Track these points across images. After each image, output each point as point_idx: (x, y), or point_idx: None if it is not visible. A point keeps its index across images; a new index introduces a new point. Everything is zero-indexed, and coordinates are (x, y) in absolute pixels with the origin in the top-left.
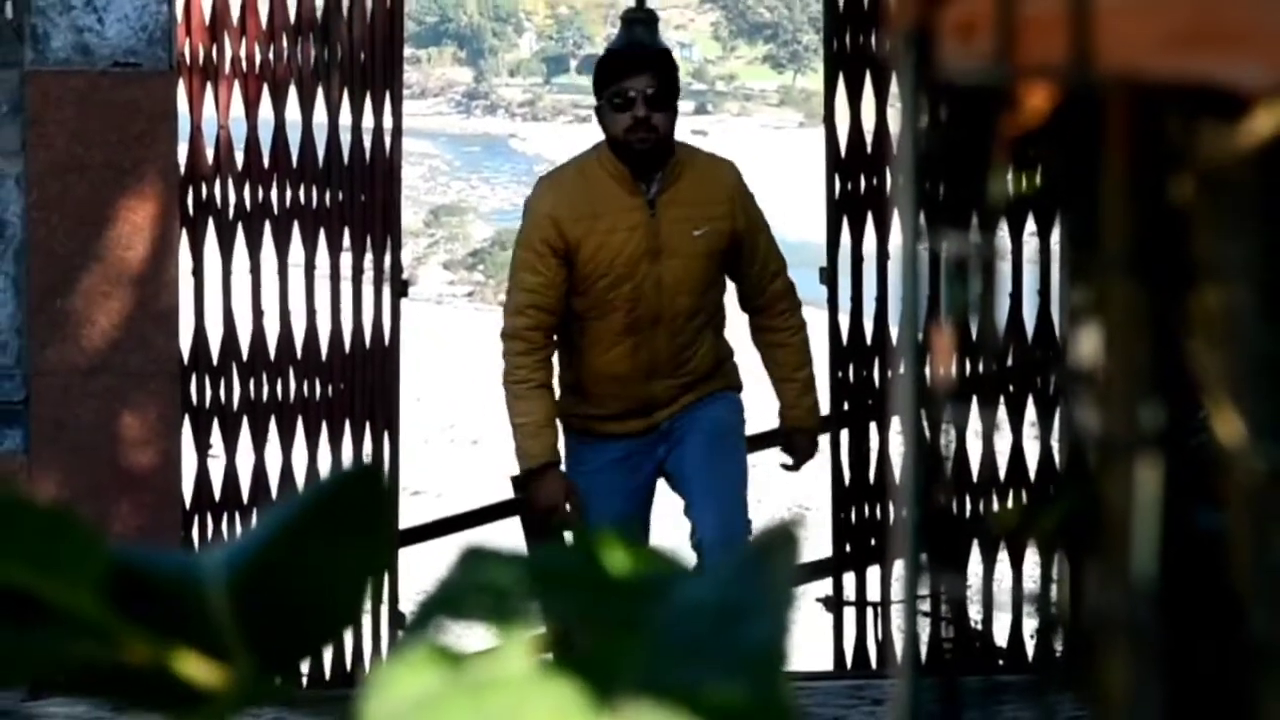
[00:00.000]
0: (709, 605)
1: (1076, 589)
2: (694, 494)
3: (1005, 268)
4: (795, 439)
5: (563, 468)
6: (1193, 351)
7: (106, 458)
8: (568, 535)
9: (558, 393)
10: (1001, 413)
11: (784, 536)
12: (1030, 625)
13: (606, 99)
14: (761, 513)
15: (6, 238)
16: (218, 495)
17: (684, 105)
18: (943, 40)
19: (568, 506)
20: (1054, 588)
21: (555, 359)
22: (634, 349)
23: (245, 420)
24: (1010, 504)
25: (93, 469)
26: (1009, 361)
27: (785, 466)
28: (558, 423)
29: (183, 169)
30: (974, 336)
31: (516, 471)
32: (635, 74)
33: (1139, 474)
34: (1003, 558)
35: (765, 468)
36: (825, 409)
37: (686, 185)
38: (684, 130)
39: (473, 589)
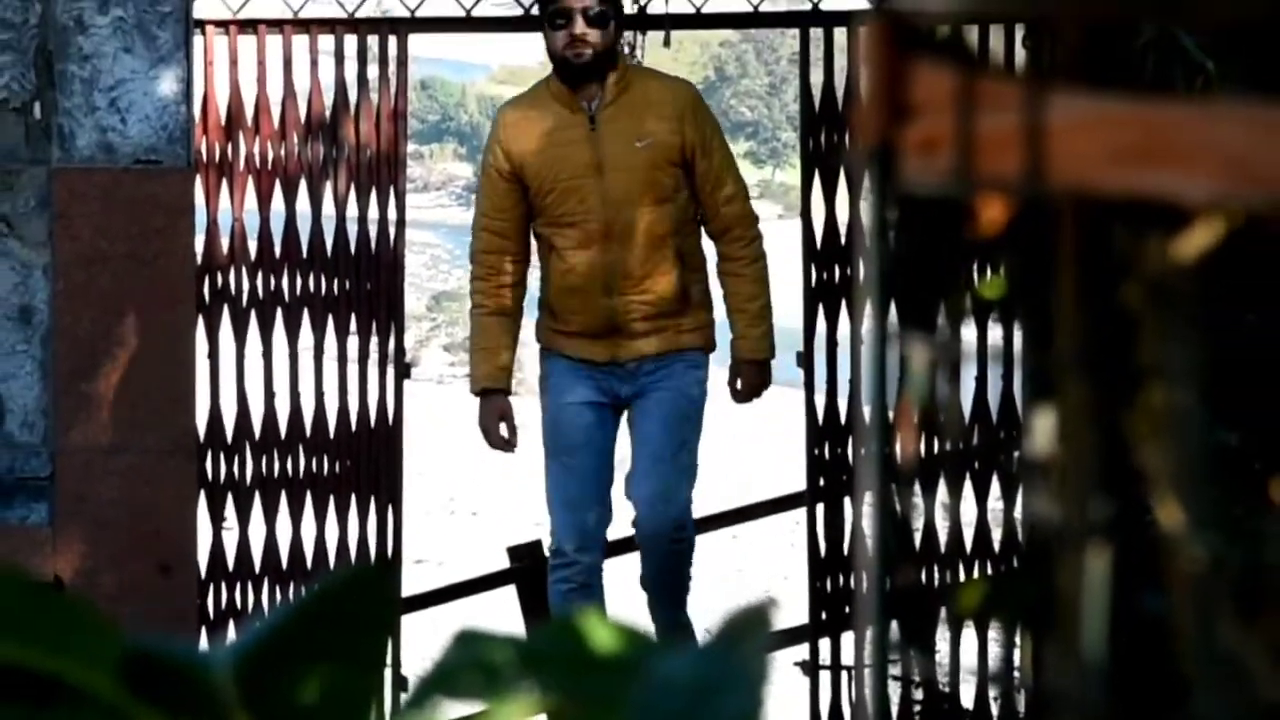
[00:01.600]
0: (686, 683)
1: (1038, 658)
2: (640, 468)
3: (971, 353)
4: (742, 369)
5: (507, 397)
6: (1139, 447)
7: (127, 530)
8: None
9: (539, 317)
10: (968, 488)
11: (757, 618)
12: (995, 690)
13: (548, 18)
14: (743, 582)
15: (34, 324)
16: (231, 565)
17: None
18: (906, 156)
19: (504, 432)
20: (1016, 656)
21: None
22: (589, 262)
23: (258, 494)
24: (975, 577)
25: (114, 541)
26: (974, 440)
27: (734, 397)
28: (505, 350)
29: (200, 259)
30: (938, 420)
31: (513, 543)
32: None
33: (1089, 560)
34: (969, 624)
35: (750, 539)
36: (802, 485)
37: (631, 100)
38: None
39: (467, 668)
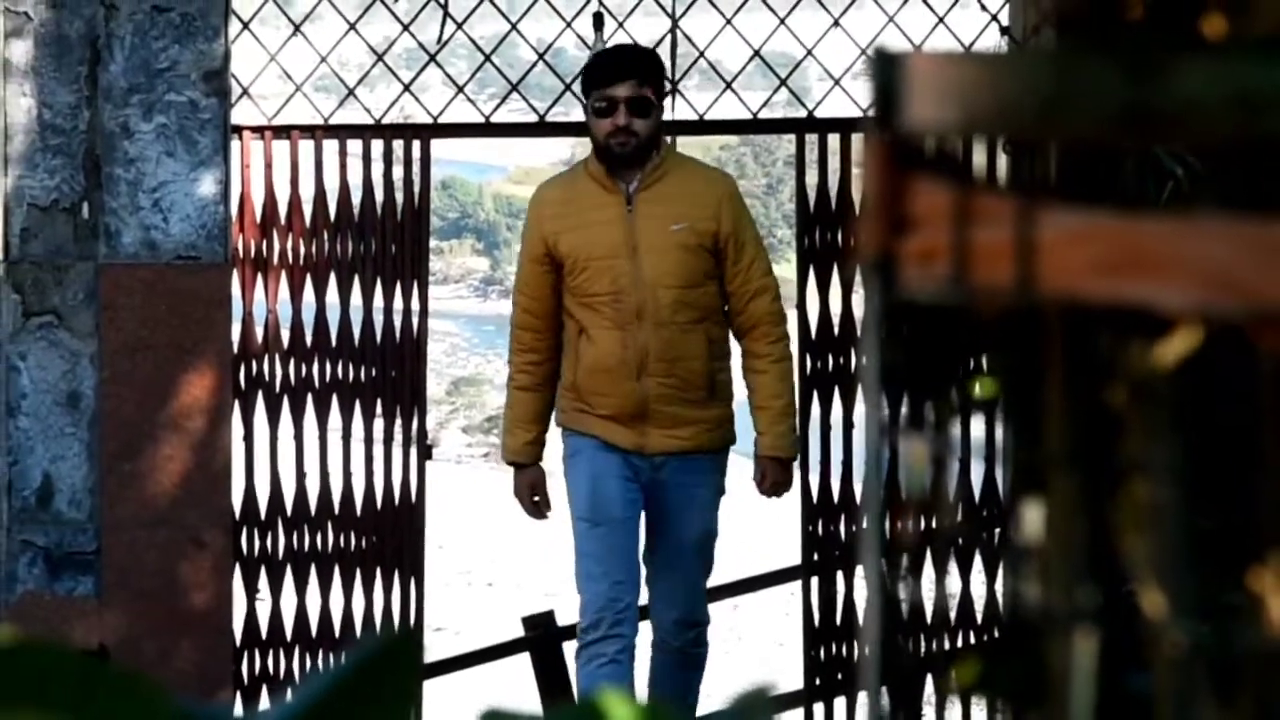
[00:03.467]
0: None
1: None
2: (660, 588)
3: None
4: (766, 466)
5: (541, 465)
6: (1123, 537)
7: (167, 601)
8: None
9: (560, 398)
10: (952, 564)
11: (759, 699)
12: None
13: (591, 104)
14: (742, 650)
15: (82, 408)
16: (264, 634)
17: None
18: (905, 265)
19: (535, 502)
20: None
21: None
22: (621, 342)
23: (289, 567)
24: (960, 646)
25: (155, 611)
26: (958, 519)
27: (760, 492)
28: (535, 425)
29: (236, 348)
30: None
31: (528, 613)
32: (618, 80)
33: (1077, 641)
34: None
35: (749, 608)
36: (796, 559)
37: (669, 185)
38: None
39: None
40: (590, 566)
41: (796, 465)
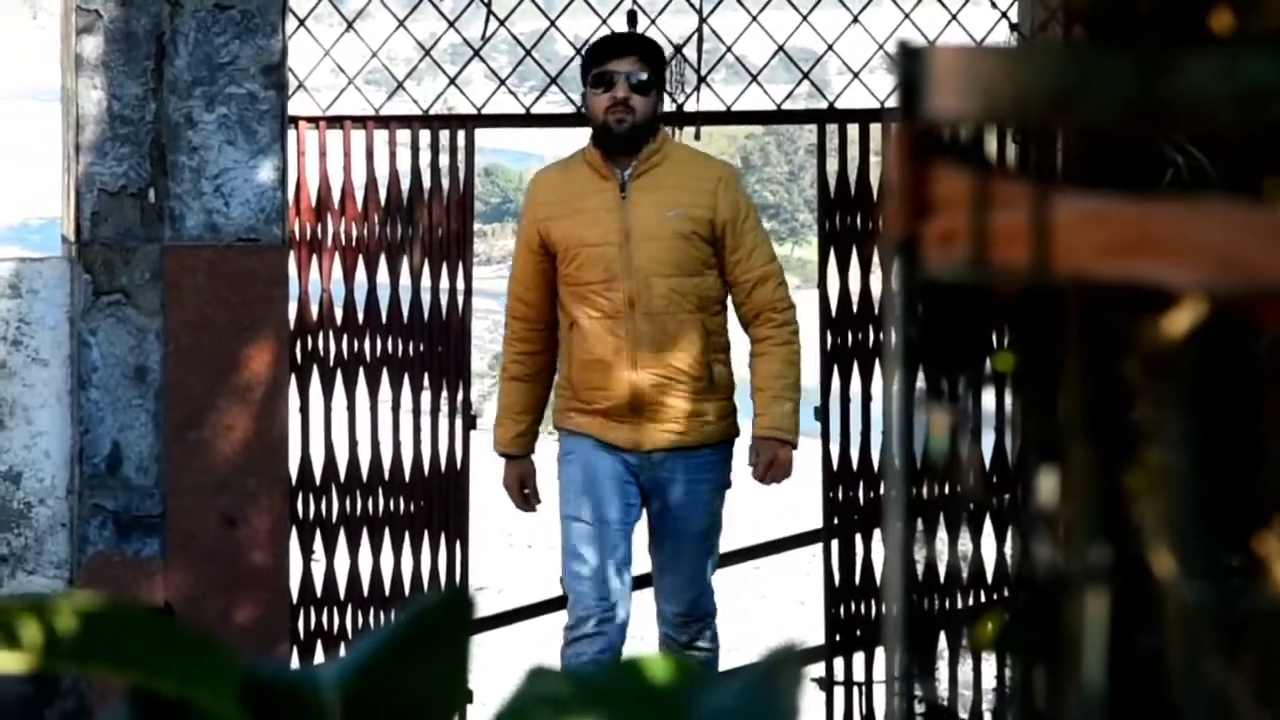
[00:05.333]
0: (732, 713)
1: (1040, 688)
2: (665, 587)
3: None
4: (759, 446)
5: (531, 458)
6: (1136, 502)
7: (228, 562)
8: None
9: (556, 397)
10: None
11: (790, 659)
12: (989, 701)
13: (590, 81)
14: (768, 607)
15: (148, 381)
16: (319, 593)
17: None
18: (927, 247)
19: (524, 494)
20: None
21: (552, 358)
22: (613, 332)
23: (342, 531)
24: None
25: (216, 571)
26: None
27: (754, 476)
28: (527, 415)
29: (292, 325)
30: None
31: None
32: (619, 57)
33: (1090, 602)
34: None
35: (771, 569)
36: (818, 524)
37: (665, 172)
38: None
39: (536, 702)
40: (578, 566)
41: (818, 436)
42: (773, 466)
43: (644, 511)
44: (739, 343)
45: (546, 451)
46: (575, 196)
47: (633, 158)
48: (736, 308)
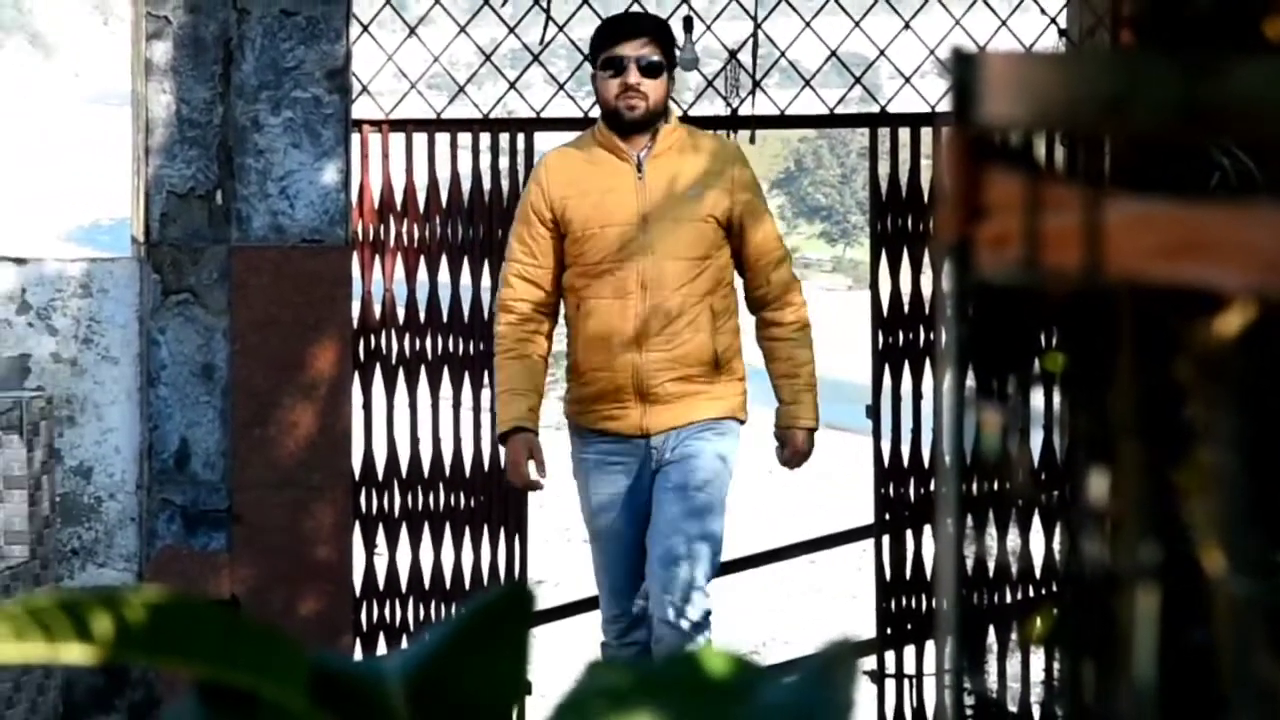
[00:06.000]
0: (787, 706)
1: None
2: (654, 567)
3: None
4: (789, 436)
5: (535, 435)
6: (1187, 500)
7: (293, 555)
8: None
9: (567, 389)
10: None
11: (844, 653)
12: (1037, 694)
13: (600, 65)
14: (821, 600)
15: (215, 379)
16: (381, 586)
17: None
18: (981, 249)
19: (533, 472)
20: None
21: (557, 349)
22: (620, 313)
23: (404, 525)
24: (1020, 600)
25: (281, 564)
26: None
27: (782, 463)
28: (535, 394)
29: (355, 324)
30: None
31: None
32: (629, 39)
33: (1140, 598)
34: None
35: (824, 563)
36: (870, 519)
37: (679, 153)
38: None
39: (595, 694)
40: (600, 577)
41: (870, 434)
42: (798, 455)
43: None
44: (748, 329)
45: (555, 451)
46: (591, 176)
47: (646, 138)
48: (751, 289)
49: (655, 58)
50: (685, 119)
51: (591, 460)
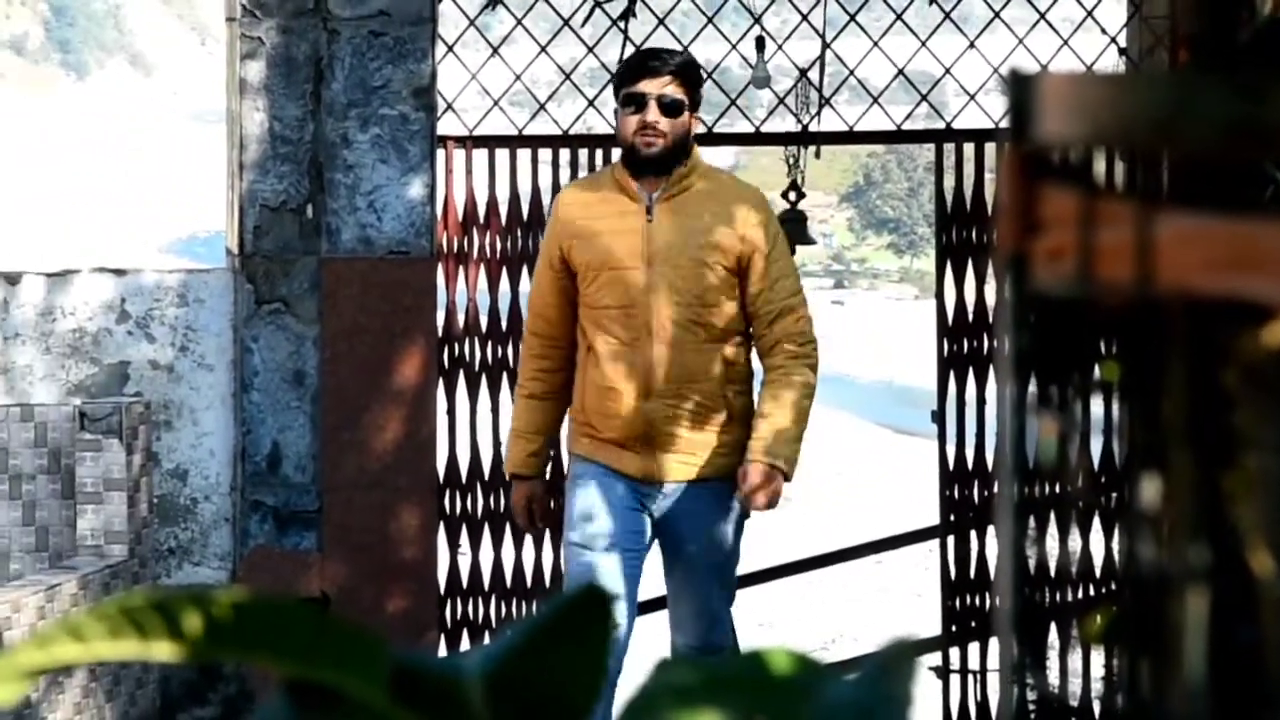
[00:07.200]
0: (849, 703)
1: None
2: (678, 617)
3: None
4: (749, 469)
5: (538, 481)
6: (1235, 504)
7: (380, 554)
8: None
9: (570, 421)
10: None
11: (905, 652)
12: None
13: (622, 101)
14: (887, 599)
15: (306, 385)
16: (465, 585)
17: (825, 280)
18: (1037, 263)
19: (534, 517)
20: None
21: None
22: (628, 359)
23: (486, 525)
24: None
25: (369, 563)
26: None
27: (740, 493)
28: (539, 436)
29: (440, 332)
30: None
31: None
32: (651, 77)
33: (1190, 599)
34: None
35: (890, 563)
36: (935, 520)
37: (693, 197)
38: (824, 300)
39: (665, 691)
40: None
41: (935, 438)
42: (758, 491)
43: (656, 542)
44: (760, 375)
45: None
46: (600, 216)
47: (661, 179)
48: (756, 339)
49: (678, 96)
50: (726, 139)
51: (597, 470)
